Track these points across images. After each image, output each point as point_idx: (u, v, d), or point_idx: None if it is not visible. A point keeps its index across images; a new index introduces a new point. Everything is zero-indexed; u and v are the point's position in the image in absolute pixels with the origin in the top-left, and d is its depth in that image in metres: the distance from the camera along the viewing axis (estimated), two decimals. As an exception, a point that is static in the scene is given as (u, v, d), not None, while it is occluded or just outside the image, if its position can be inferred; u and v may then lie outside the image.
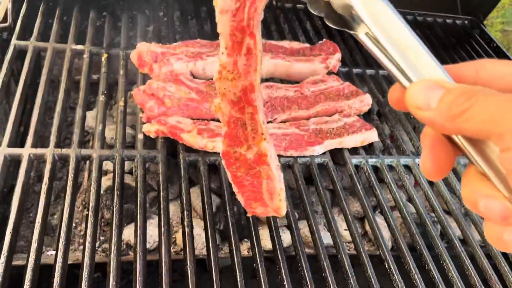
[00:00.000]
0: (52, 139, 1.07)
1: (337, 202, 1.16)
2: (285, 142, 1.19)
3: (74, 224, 1.17)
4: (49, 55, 1.27)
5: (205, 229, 1.00)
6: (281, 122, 1.29)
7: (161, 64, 1.28)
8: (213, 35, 1.52)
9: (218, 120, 1.22)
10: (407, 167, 1.29)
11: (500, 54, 1.91)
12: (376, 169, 1.27)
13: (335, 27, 0.51)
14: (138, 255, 0.91)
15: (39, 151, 1.04)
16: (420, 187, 1.25)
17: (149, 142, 1.15)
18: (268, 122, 1.27)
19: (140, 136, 1.14)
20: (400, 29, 0.46)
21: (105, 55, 1.33)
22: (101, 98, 1.21)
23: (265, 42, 1.45)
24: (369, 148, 1.30)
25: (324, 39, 1.56)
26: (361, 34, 0.48)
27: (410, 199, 1.22)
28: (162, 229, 0.97)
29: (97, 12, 1.48)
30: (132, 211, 1.13)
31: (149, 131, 1.14)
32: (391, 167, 1.28)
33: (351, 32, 0.50)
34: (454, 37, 1.95)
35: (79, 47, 1.33)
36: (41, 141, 1.09)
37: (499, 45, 1.94)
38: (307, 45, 1.51)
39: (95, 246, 0.92)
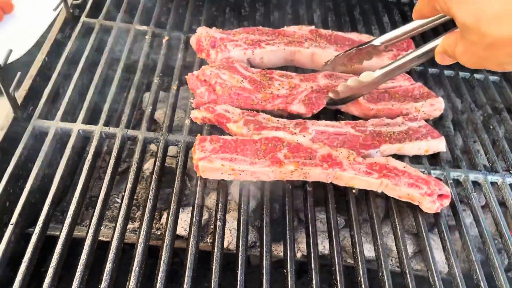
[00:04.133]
0: (103, 117, 1.09)
1: (390, 214, 1.05)
2: (337, 141, 1.11)
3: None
4: (113, 34, 1.30)
5: (238, 224, 0.96)
6: (338, 116, 1.20)
7: (218, 50, 1.25)
8: (278, 25, 1.46)
9: (267, 112, 1.17)
10: (476, 183, 1.14)
11: None
12: (439, 182, 1.14)
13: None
14: (165, 241, 0.90)
15: (89, 127, 1.07)
16: (489, 209, 1.10)
17: (196, 129, 1.13)
18: (322, 112, 1.19)
19: (187, 122, 1.12)
20: None
21: (166, 38, 1.33)
22: (156, 80, 1.20)
23: (331, 33, 1.36)
24: (434, 159, 1.17)
25: (399, 34, 1.42)
26: None
27: (475, 220, 1.07)
28: (194, 219, 0.94)
29: (166, -6, 1.49)
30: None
31: (196, 117, 1.12)
32: (457, 182, 1.13)
33: None
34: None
35: (143, 27, 1.34)
36: (92, 118, 1.11)
37: None
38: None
39: (125, 230, 0.91)
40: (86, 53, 1.22)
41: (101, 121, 1.08)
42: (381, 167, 1.02)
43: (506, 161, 1.20)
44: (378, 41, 1.13)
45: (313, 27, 1.37)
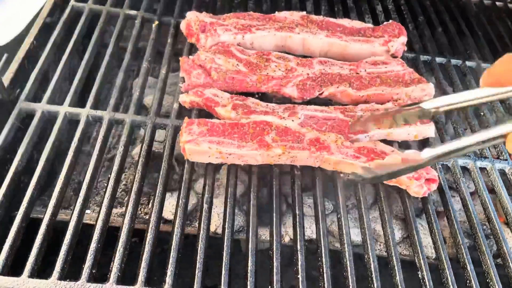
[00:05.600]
0: (90, 99, 1.08)
1: (377, 199, 1.05)
2: (326, 126, 1.10)
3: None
4: (102, 19, 1.29)
5: (225, 207, 0.96)
6: (329, 103, 1.19)
7: (208, 35, 1.24)
8: (271, 13, 1.45)
9: (261, 95, 1.16)
10: (465, 169, 1.14)
11: None
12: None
13: None
14: (150, 225, 0.89)
15: (75, 110, 1.06)
16: (478, 194, 1.09)
17: (184, 113, 1.12)
18: (313, 98, 1.18)
19: (175, 106, 1.12)
20: None
21: (156, 22, 1.32)
22: (144, 64, 1.20)
23: (323, 19, 1.35)
24: (423, 144, 1.16)
25: (391, 21, 1.41)
26: None
27: (463, 205, 1.07)
28: (180, 201, 0.94)
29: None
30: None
31: (185, 101, 1.11)
32: (446, 168, 1.13)
33: None
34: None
35: (133, 12, 1.33)
36: (80, 102, 1.10)
37: None
38: (370, 25, 1.38)
39: (111, 211, 0.91)
40: (74, 37, 1.21)
41: (88, 104, 1.08)
42: (369, 151, 1.02)
43: (495, 147, 1.20)
44: (429, 104, 0.77)
45: (304, 13, 1.36)
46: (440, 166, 1.11)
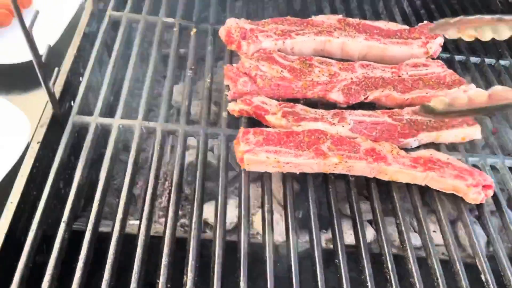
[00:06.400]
0: (141, 111, 1.08)
1: (429, 202, 1.06)
2: (376, 131, 1.11)
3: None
4: (141, 27, 1.28)
5: (285, 216, 0.96)
6: (373, 106, 1.20)
7: (250, 41, 1.24)
8: (301, 13, 1.45)
9: (308, 101, 1.16)
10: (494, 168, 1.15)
11: None
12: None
13: None
14: (217, 234, 0.90)
15: (128, 122, 1.06)
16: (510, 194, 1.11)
17: (233, 121, 1.12)
18: (358, 104, 1.18)
19: (224, 115, 1.12)
20: None
21: (194, 30, 1.32)
22: (189, 73, 1.19)
23: (359, 22, 1.35)
24: (470, 146, 1.18)
25: (424, 21, 1.42)
26: None
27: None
28: (243, 212, 0.94)
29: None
30: (211, 189, 1.12)
31: (234, 110, 1.11)
32: (494, 168, 1.14)
33: None
34: None
35: (170, 20, 1.32)
36: (129, 112, 1.10)
37: None
38: (406, 27, 1.39)
39: (176, 222, 0.91)
40: (116, 47, 1.21)
41: (140, 115, 1.07)
42: (426, 161, 1.03)
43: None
44: None
45: (340, 16, 1.37)
46: (488, 168, 1.12)
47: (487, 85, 1.39)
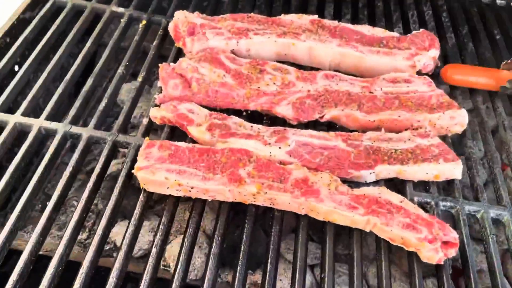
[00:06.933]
0: (46, 109, 0.94)
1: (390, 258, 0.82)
2: (321, 158, 0.89)
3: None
4: (85, 15, 1.14)
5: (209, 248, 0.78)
6: (332, 124, 0.98)
7: (195, 39, 1.06)
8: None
9: (250, 113, 0.97)
10: (497, 221, 0.89)
11: None
12: (450, 216, 0.90)
13: None
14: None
15: (27, 120, 0.92)
16: (510, 254, 0.85)
17: (155, 130, 0.95)
18: (309, 122, 0.97)
19: (144, 121, 0.95)
20: None
21: (143, 22, 1.16)
22: (120, 70, 1.04)
23: (337, 25, 1.13)
24: (446, 187, 0.93)
25: (421, 29, 1.17)
26: None
27: (489, 270, 0.82)
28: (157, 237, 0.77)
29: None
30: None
31: (155, 117, 0.94)
32: (472, 218, 0.89)
33: None
34: None
35: (120, 9, 1.18)
36: (36, 110, 0.96)
37: None
38: (396, 34, 1.15)
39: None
40: (48, 36, 1.08)
41: (44, 113, 0.93)
42: (371, 201, 0.80)
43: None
44: None
45: (316, 16, 1.15)
46: (464, 217, 0.87)
47: (493, 111, 1.12)
